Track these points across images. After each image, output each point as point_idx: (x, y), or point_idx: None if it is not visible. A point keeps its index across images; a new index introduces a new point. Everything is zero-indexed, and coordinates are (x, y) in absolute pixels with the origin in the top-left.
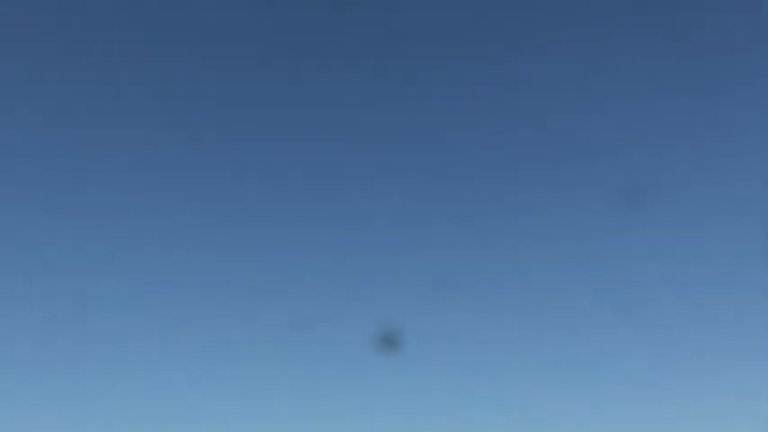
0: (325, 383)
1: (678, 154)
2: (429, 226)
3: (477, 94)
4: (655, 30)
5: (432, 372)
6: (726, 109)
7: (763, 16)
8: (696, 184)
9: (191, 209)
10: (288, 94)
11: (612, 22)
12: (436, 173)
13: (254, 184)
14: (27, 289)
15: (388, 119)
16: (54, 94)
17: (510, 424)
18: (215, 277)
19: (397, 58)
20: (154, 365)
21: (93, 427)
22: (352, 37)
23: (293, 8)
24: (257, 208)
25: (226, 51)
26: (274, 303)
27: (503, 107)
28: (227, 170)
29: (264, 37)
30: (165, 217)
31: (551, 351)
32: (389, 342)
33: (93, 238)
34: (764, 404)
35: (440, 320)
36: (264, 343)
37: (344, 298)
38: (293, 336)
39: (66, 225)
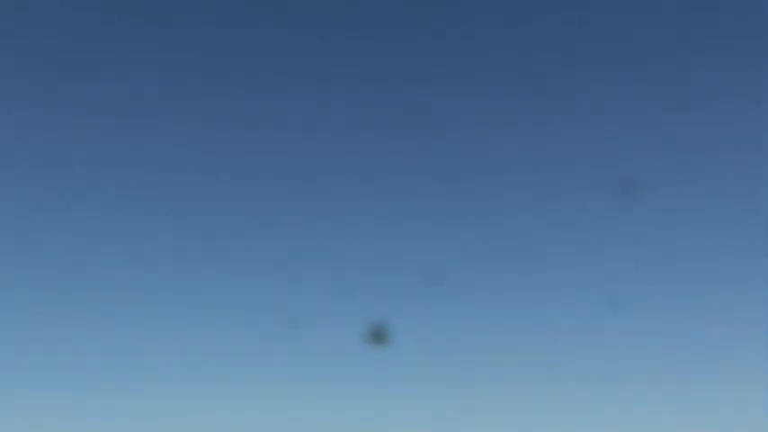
0: (316, 379)
1: (674, 150)
2: (419, 222)
3: (472, 91)
4: (654, 29)
5: (422, 366)
6: (723, 107)
7: (763, 16)
8: (692, 180)
9: (185, 205)
10: (285, 93)
11: (613, 23)
12: (428, 170)
13: (247, 181)
14: (24, 288)
15: (381, 118)
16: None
17: (502, 418)
18: (207, 274)
19: (394, 59)
20: (148, 362)
21: (88, 424)
22: (352, 36)
23: (298, 11)
24: (251, 205)
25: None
26: (266, 300)
27: (496, 104)
28: (223, 168)
29: (268, 36)
30: (158, 214)
31: (544, 347)
32: (380, 337)
33: (90, 238)
34: (760, 398)
35: (430, 315)
36: (256, 339)
37: (335, 294)
38: (285, 332)
39: (64, 224)
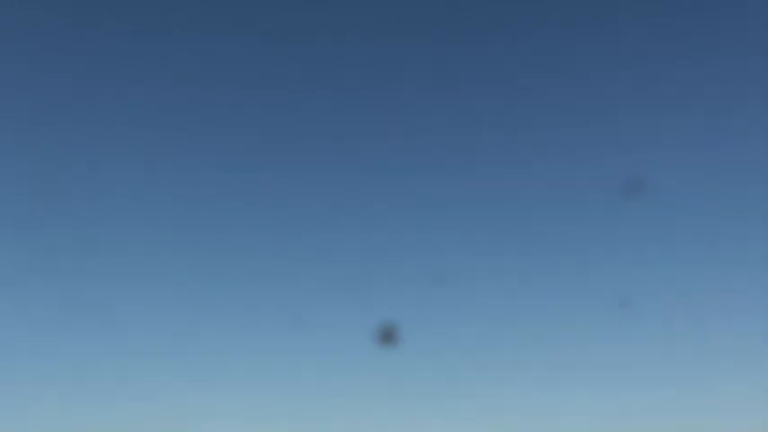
0: (324, 379)
1: (677, 150)
2: (428, 222)
3: (477, 93)
4: (655, 31)
5: (432, 366)
6: (722, 109)
7: (763, 17)
8: (693, 180)
9: (190, 203)
10: (287, 91)
11: (613, 26)
12: (435, 170)
13: (251, 181)
14: (25, 283)
15: (389, 116)
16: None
17: (510, 418)
18: (214, 274)
19: (398, 58)
20: (156, 363)
21: (93, 426)
22: (360, 35)
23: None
24: (256, 205)
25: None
26: (274, 299)
27: (502, 105)
28: (228, 165)
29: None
30: (163, 213)
31: (550, 346)
32: (389, 337)
33: (95, 240)
34: (762, 400)
35: (440, 316)
36: (264, 338)
37: (344, 294)
38: (291, 332)
39: (65, 219)
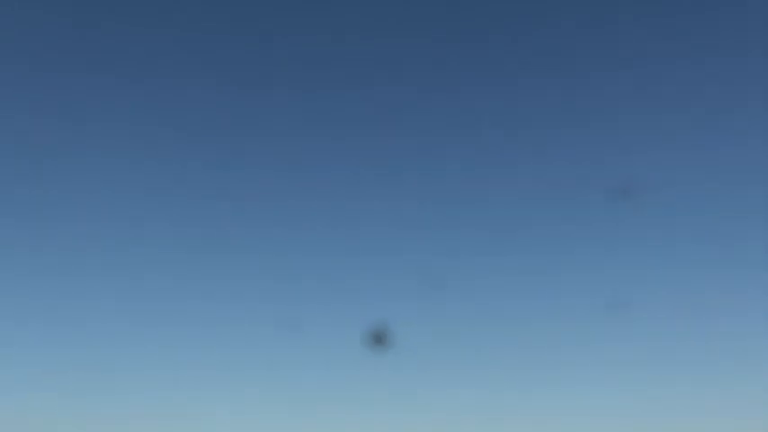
0: (322, 378)
1: (676, 150)
2: (427, 222)
3: (477, 93)
4: (655, 31)
5: (423, 368)
6: (722, 109)
7: (763, 17)
8: (693, 180)
9: (189, 202)
10: (287, 91)
11: (613, 26)
12: (435, 170)
13: (251, 178)
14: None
15: (389, 116)
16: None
17: (502, 419)
18: (206, 277)
19: (397, 60)
20: (154, 363)
21: (93, 424)
22: (363, 36)
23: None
24: (252, 209)
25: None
26: (272, 299)
27: (502, 105)
28: (228, 165)
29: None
30: (163, 212)
31: (549, 346)
32: (381, 340)
33: (95, 239)
34: (759, 400)
35: (438, 315)
36: (257, 342)
37: (343, 293)
38: (285, 334)
39: (67, 227)
